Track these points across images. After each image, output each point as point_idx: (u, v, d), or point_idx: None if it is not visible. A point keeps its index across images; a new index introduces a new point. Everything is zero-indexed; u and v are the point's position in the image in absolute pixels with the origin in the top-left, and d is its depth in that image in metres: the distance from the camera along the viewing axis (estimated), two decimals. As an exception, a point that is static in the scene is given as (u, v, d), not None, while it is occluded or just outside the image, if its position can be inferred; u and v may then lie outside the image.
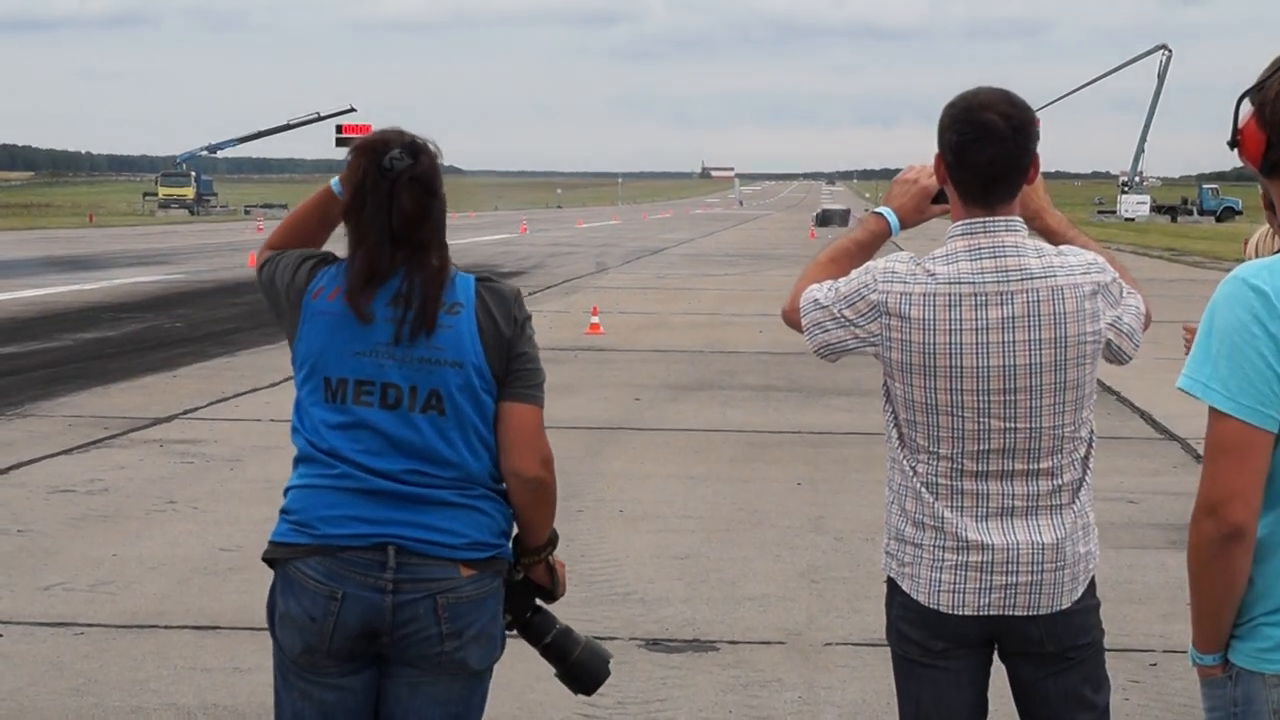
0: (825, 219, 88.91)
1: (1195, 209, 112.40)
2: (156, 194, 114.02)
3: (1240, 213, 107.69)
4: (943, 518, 4.01)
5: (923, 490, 4.02)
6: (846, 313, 4.05)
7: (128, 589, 8.86)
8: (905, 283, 3.99)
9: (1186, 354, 6.15)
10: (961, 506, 4.01)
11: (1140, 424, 15.26)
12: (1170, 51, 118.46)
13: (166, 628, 8.12)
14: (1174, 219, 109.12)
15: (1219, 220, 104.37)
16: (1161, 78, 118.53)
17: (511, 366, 3.95)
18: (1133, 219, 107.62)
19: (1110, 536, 10.38)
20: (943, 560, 4.01)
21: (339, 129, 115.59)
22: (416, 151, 3.94)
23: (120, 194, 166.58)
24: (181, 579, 9.09)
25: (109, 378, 18.08)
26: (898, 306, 3.99)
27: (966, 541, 3.99)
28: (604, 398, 16.63)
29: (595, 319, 23.98)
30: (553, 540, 4.18)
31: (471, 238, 66.43)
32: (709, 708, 6.99)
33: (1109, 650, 8.00)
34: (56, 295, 31.17)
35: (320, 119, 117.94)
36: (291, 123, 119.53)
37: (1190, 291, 34.95)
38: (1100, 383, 15.94)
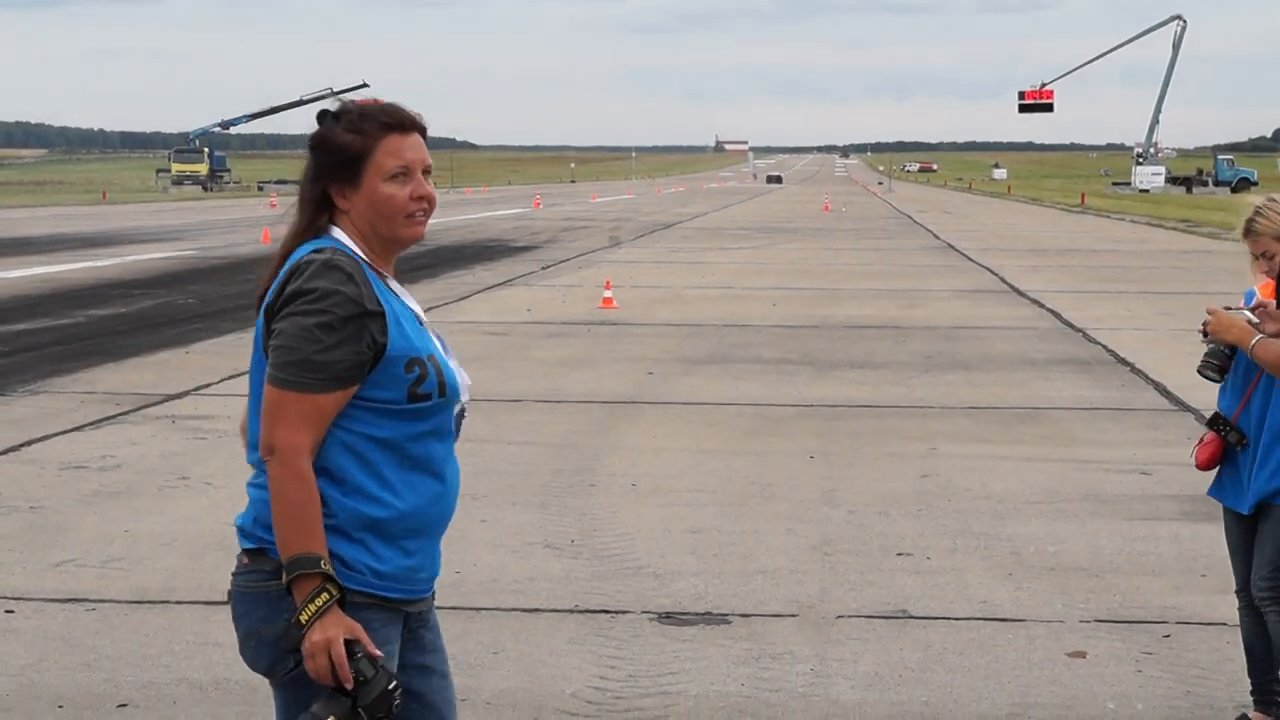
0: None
1: (1210, 180, 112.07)
2: (170, 170, 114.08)
3: (1256, 184, 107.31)
4: None
5: None
6: None
7: (139, 565, 8.86)
8: None
9: (1204, 334, 6.13)
10: None
11: (1154, 395, 15.21)
12: (1185, 22, 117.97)
13: (178, 603, 8.11)
14: (1189, 190, 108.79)
15: (1234, 191, 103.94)
16: (1176, 48, 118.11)
17: (268, 342, 3.70)
18: (1147, 190, 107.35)
19: (1123, 508, 10.35)
20: None
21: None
22: (323, 116, 3.85)
23: (134, 171, 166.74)
24: (193, 555, 9.09)
25: (121, 354, 18.09)
26: None
27: None
28: (617, 371, 16.60)
29: (609, 293, 23.94)
30: (290, 566, 3.60)
31: (485, 212, 66.42)
32: (721, 681, 6.97)
33: (1119, 622, 8.02)
34: (69, 272, 31.19)
35: (334, 94, 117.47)
36: (305, 98, 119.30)
37: (1205, 263, 34.86)
38: (1113, 354, 15.94)
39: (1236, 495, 6.18)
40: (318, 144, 3.79)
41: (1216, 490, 6.32)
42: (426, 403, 3.70)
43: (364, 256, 3.77)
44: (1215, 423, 6.26)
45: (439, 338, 3.89)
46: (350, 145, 3.75)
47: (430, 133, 3.85)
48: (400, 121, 3.78)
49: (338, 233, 3.79)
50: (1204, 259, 36.38)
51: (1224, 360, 6.16)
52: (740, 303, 24.88)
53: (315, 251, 3.71)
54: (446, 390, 3.74)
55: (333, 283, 3.64)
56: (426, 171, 3.81)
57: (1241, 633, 6.39)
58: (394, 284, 3.84)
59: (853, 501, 10.53)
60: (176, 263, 34.30)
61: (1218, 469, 6.27)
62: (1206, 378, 6.21)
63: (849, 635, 7.63)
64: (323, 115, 3.80)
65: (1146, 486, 10.99)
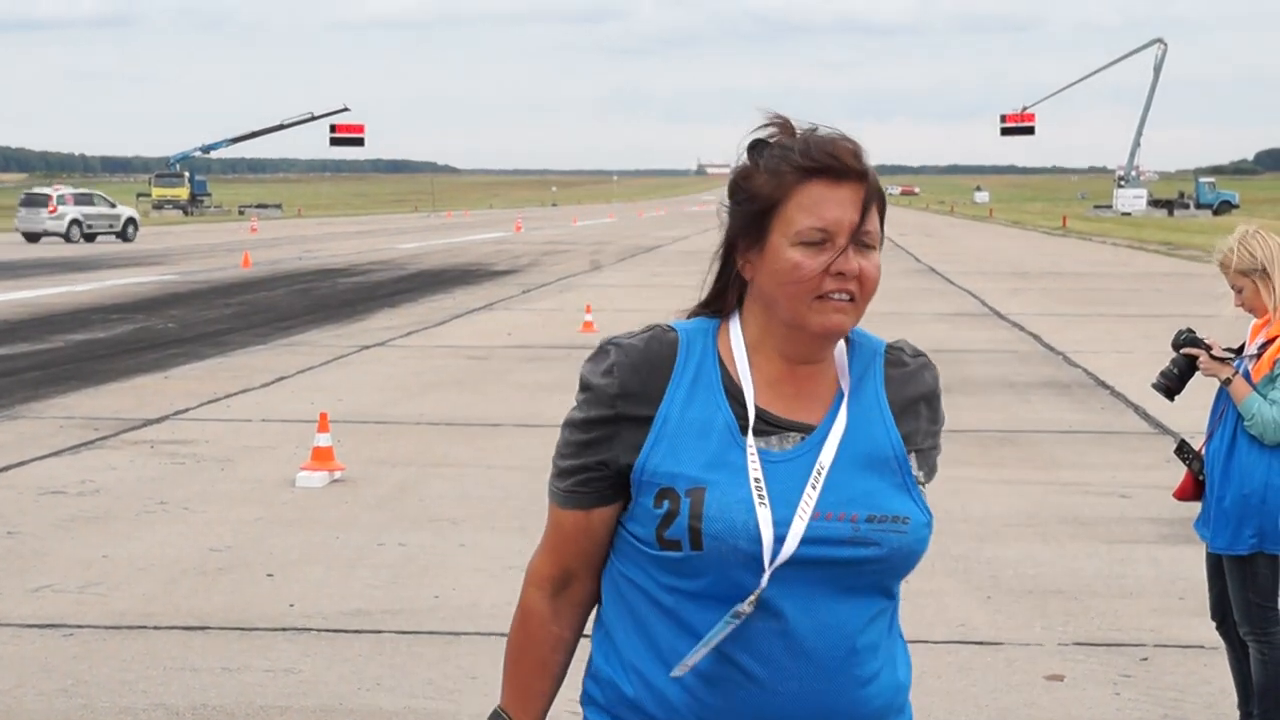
0: None
1: (1192, 203, 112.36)
2: (150, 195, 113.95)
3: (1237, 206, 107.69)
4: None
5: None
6: None
7: (117, 590, 8.83)
8: None
9: (1175, 347, 6.12)
10: None
11: (1134, 418, 15.24)
12: (1166, 45, 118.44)
13: (156, 628, 8.08)
14: (1170, 213, 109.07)
15: (1216, 214, 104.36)
16: (1157, 72, 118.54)
17: None
18: (1129, 213, 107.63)
19: (1102, 531, 10.35)
20: None
21: (333, 128, 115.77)
22: (753, 147, 2.78)
23: (115, 195, 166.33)
24: (171, 580, 9.06)
25: (100, 379, 18.04)
26: None
27: None
28: (597, 395, 16.55)
29: (589, 317, 23.92)
30: None
31: (466, 236, 66.40)
32: (699, 705, 6.94)
33: (1098, 644, 8.01)
34: (48, 297, 31.12)
35: (314, 119, 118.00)
36: (285, 123, 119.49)
37: (1186, 286, 34.94)
38: (1093, 377, 15.92)
39: (1204, 528, 6.16)
40: (731, 188, 2.74)
41: (1197, 521, 6.28)
42: (676, 553, 2.61)
43: (744, 350, 2.75)
44: (1179, 451, 6.27)
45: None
46: (760, 191, 2.66)
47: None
48: (828, 165, 2.60)
49: (738, 318, 2.79)
50: (1185, 281, 36.46)
51: (1173, 380, 6.18)
52: (721, 326, 24.84)
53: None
54: (704, 542, 2.57)
55: (591, 372, 2.75)
56: (863, 242, 2.60)
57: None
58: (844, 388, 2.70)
59: (832, 525, 10.51)
60: (155, 287, 34.24)
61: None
62: (1157, 389, 6.25)
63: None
64: (753, 146, 2.72)
65: (1126, 509, 11.00)
